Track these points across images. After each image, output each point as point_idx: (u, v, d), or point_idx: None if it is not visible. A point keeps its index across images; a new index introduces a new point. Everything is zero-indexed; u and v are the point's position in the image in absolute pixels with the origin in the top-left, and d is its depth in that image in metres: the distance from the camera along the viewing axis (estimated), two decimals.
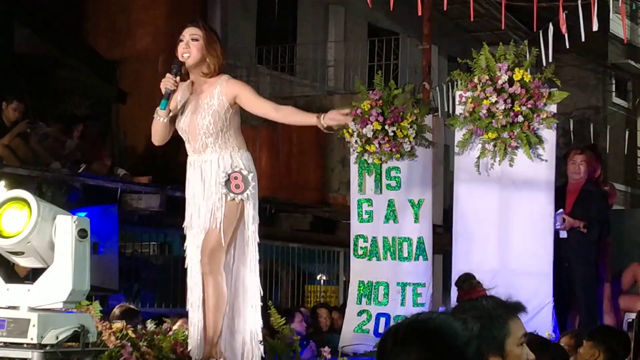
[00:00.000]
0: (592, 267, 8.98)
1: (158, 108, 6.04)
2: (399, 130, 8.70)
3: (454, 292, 8.41)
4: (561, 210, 8.72)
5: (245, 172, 6.00)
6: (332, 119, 5.94)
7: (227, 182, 5.97)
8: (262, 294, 6.20)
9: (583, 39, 9.15)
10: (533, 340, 6.10)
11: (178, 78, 6.01)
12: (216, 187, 5.98)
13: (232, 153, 6.02)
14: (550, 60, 9.50)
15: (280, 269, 14.72)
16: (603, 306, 9.27)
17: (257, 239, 6.13)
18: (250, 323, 6.11)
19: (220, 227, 5.95)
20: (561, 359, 5.94)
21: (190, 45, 6.01)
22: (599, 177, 9.46)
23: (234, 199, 5.97)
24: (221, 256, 5.98)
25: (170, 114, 6.07)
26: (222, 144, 6.01)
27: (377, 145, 8.73)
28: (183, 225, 6.18)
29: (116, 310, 7.82)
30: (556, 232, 8.62)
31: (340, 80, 18.96)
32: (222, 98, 6.00)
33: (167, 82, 5.97)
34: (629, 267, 9.69)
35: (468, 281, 7.42)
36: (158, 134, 6.12)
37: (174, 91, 6.01)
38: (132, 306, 8.25)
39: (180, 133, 6.13)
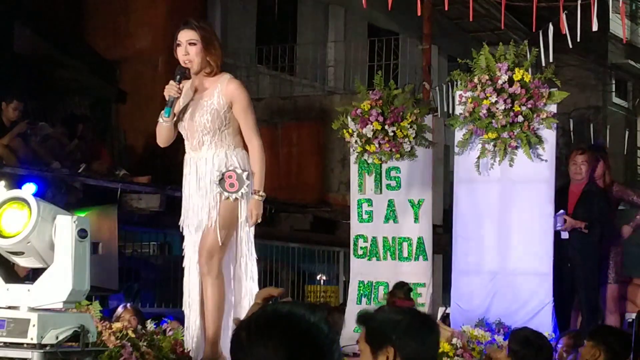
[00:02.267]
0: (595, 268, 8.98)
1: (162, 114, 6.02)
2: (399, 130, 8.69)
3: (453, 292, 8.43)
4: (562, 211, 8.71)
5: (239, 171, 5.99)
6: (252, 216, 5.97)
7: (222, 181, 5.96)
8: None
9: (581, 39, 9.15)
10: (517, 336, 6.15)
11: (181, 85, 6.00)
12: (211, 185, 5.98)
13: (227, 151, 6.02)
14: (550, 60, 9.49)
15: (280, 269, 14.71)
16: (607, 306, 9.26)
17: (253, 239, 6.12)
18: None
19: (215, 227, 5.94)
20: (545, 354, 5.96)
21: (189, 51, 5.98)
22: (604, 177, 9.42)
23: (228, 197, 5.96)
24: (219, 256, 5.97)
25: (175, 118, 6.07)
26: (219, 142, 6.01)
27: (377, 145, 8.73)
28: (179, 223, 6.18)
29: (120, 310, 7.82)
30: (558, 233, 8.63)
31: (340, 80, 18.97)
32: (222, 98, 6.00)
33: (170, 90, 5.96)
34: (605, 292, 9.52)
35: (406, 290, 7.71)
36: (163, 137, 6.12)
37: (177, 98, 6.00)
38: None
39: (180, 130, 6.13)
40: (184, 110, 6.09)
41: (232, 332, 2.47)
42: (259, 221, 6.06)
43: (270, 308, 2.48)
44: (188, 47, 5.99)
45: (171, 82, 5.97)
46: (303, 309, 2.44)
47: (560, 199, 8.63)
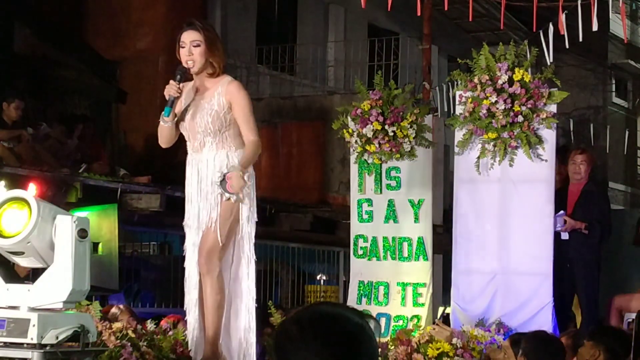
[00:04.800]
0: (594, 268, 8.99)
1: (162, 114, 6.03)
2: (399, 130, 8.69)
3: (453, 292, 8.43)
4: (562, 212, 8.72)
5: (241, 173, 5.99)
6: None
7: (223, 182, 5.96)
8: (255, 295, 6.18)
9: (582, 39, 9.14)
10: (535, 338, 6.15)
11: (181, 85, 6.00)
12: (212, 186, 5.98)
13: (228, 152, 6.02)
14: (550, 60, 9.49)
15: (280, 269, 14.70)
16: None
17: (253, 239, 6.12)
18: (245, 324, 6.11)
19: (215, 227, 5.95)
20: (561, 355, 5.97)
21: (192, 52, 5.99)
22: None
23: (229, 198, 5.97)
24: (219, 256, 5.98)
25: (176, 119, 6.07)
26: (220, 143, 6.01)
27: (377, 145, 8.72)
28: (183, 224, 6.19)
29: (115, 310, 7.80)
30: (558, 234, 8.63)
31: (340, 80, 18.97)
32: (222, 99, 6.01)
33: (170, 89, 5.96)
34: (612, 302, 9.35)
35: None
36: (164, 137, 6.13)
37: (177, 98, 6.00)
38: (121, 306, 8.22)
39: (182, 131, 6.14)
40: (185, 111, 6.10)
41: (279, 326, 2.52)
42: (238, 192, 5.93)
43: (318, 308, 2.52)
44: (192, 48, 5.99)
45: (171, 81, 5.98)
46: (351, 312, 2.49)
47: (560, 199, 8.62)
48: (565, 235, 8.77)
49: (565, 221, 8.73)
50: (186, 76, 6.07)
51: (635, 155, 26.16)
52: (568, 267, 8.81)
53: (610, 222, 9.24)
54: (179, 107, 6.10)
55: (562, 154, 9.47)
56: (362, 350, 2.43)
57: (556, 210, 8.43)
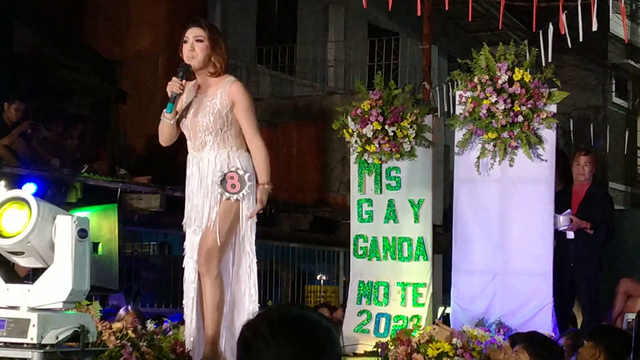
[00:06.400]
0: (597, 269, 9.00)
1: (164, 111, 6.05)
2: (399, 130, 8.68)
3: (453, 292, 8.43)
4: (569, 210, 8.73)
5: (241, 172, 6.01)
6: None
7: (223, 182, 5.97)
8: (258, 295, 6.19)
9: (582, 39, 9.15)
10: (524, 337, 6.16)
11: (184, 81, 6.01)
12: (212, 185, 5.99)
13: (229, 152, 6.03)
14: (550, 60, 9.49)
15: (280, 269, 14.71)
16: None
17: (254, 240, 6.13)
18: None
19: (215, 227, 5.95)
20: (555, 356, 5.98)
21: (195, 47, 6.01)
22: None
23: (229, 198, 5.97)
24: (218, 256, 5.98)
25: (177, 116, 6.08)
26: (221, 143, 6.02)
27: (377, 145, 8.72)
28: (182, 223, 6.19)
29: (122, 313, 7.82)
30: (562, 233, 8.63)
31: (340, 80, 18.98)
32: (225, 99, 6.02)
33: (173, 86, 5.98)
34: (618, 285, 9.45)
35: None
36: (165, 135, 6.14)
37: (179, 94, 6.01)
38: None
39: (182, 130, 6.15)
40: (187, 109, 6.11)
41: (247, 323, 2.54)
42: (260, 211, 6.10)
43: (288, 309, 2.56)
44: (195, 43, 6.01)
45: (174, 78, 6.00)
46: (313, 312, 2.54)
47: (563, 200, 8.62)
48: (570, 234, 8.79)
49: (571, 220, 8.74)
50: (188, 75, 6.08)
51: (635, 155, 26.18)
52: (569, 267, 8.81)
53: (613, 223, 9.26)
54: (180, 105, 6.11)
55: (561, 158, 9.47)
56: (327, 353, 2.46)
57: (556, 211, 8.43)
